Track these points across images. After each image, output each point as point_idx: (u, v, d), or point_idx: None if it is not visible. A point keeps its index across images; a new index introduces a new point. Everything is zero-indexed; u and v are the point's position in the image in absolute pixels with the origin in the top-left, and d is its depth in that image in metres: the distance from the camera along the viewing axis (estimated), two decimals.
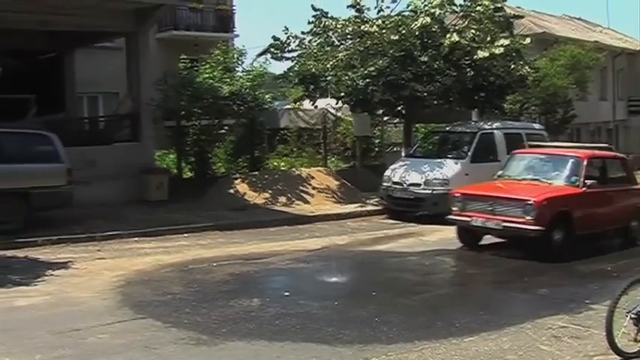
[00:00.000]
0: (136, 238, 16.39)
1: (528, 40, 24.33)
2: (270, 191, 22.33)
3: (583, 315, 10.07)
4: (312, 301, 10.84)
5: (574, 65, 36.84)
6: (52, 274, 12.70)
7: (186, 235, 17.03)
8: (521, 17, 25.34)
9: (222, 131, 25.02)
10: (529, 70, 23.99)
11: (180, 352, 8.32)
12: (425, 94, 22.63)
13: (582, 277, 13.35)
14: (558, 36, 43.29)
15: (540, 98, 34.34)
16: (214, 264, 13.65)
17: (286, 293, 11.47)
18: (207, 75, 23.58)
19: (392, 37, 21.77)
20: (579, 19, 58.37)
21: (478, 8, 22.32)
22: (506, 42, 21.81)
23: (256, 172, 23.86)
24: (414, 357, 8.12)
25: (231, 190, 22.28)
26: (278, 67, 48.99)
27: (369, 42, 22.39)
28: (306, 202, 22.14)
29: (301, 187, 22.95)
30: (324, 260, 14.55)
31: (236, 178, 23.18)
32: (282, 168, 25.77)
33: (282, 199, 22.06)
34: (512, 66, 23.16)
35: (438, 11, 21.79)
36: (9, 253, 14.42)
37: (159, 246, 15.58)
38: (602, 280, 12.78)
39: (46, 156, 17.01)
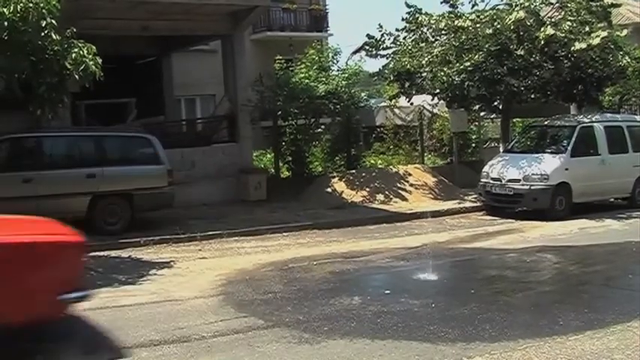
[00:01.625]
0: (236, 238, 16.65)
1: (626, 31, 23.77)
2: (367, 189, 22.38)
3: None
4: (412, 299, 10.82)
5: None
6: (155, 274, 13.02)
7: (285, 234, 17.23)
8: (619, 5, 24.70)
9: (319, 130, 25.20)
10: (629, 60, 23.43)
11: (283, 350, 8.39)
12: (522, 88, 22.34)
13: None
14: None
15: None
16: (314, 262, 13.77)
17: (387, 291, 11.50)
18: (302, 75, 23.76)
19: (487, 31, 21.53)
20: None
21: None
22: (604, 33, 21.33)
23: (353, 171, 23.95)
24: (518, 356, 8.02)
25: (329, 189, 22.41)
26: (373, 65, 49.01)
27: (463, 37, 22.19)
28: (404, 199, 22.13)
29: (398, 185, 22.93)
30: (423, 258, 14.48)
31: (333, 177, 23.31)
32: (379, 166, 25.78)
33: (380, 196, 22.08)
34: (611, 57, 22.65)
35: (533, 4, 21.47)
36: (114, 253, 14.86)
37: (259, 245, 15.79)
38: None
39: (147, 158, 17.45)
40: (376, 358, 8.01)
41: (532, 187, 19.83)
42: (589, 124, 21.55)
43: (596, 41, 21.01)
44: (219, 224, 17.73)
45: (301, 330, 9.13)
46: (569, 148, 20.61)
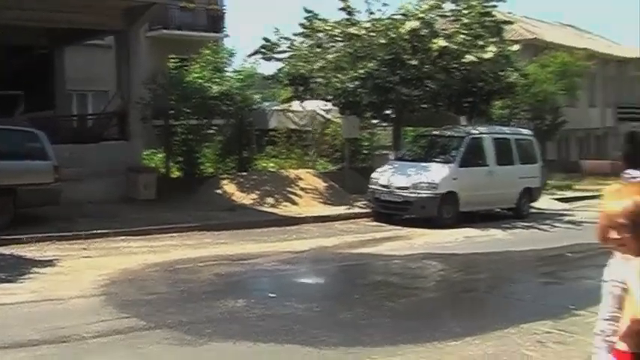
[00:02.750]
0: (123, 237, 16.35)
1: (517, 46, 24.42)
2: (258, 192, 22.33)
3: (568, 321, 10.06)
4: (297, 303, 10.82)
5: (564, 72, 36.92)
6: (37, 272, 12.67)
7: (173, 234, 17.02)
8: (512, 23, 25.40)
9: (211, 131, 25.01)
10: (518, 76, 24.03)
11: (164, 352, 8.29)
12: (413, 97, 22.65)
13: (568, 283, 13.38)
14: (549, 42, 43.39)
15: (530, 104, 34.37)
16: (200, 264, 13.66)
17: (272, 295, 11.49)
18: (196, 74, 23.60)
19: (381, 40, 21.78)
20: (570, 26, 58.58)
21: (468, 12, 22.35)
22: (495, 49, 21.86)
23: (244, 173, 23.89)
24: None
25: (219, 191, 22.28)
26: (268, 68, 48.94)
27: (357, 44, 22.39)
28: (294, 203, 22.15)
29: (289, 189, 22.97)
30: (310, 262, 14.57)
31: (224, 179, 23.19)
32: (271, 169, 25.76)
33: (270, 200, 22.05)
34: (501, 72, 23.20)
35: (427, 15, 21.83)
36: None
37: (145, 245, 15.55)
38: (587, 287, 12.81)
39: (33, 153, 17.00)
40: None
41: (420, 195, 20.11)
42: (478, 136, 22.02)
43: (487, 55, 21.52)
44: (106, 223, 17.38)
45: (183, 332, 9.02)
46: (458, 158, 21.00)
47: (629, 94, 53.37)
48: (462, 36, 21.85)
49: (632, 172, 6.03)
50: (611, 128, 50.85)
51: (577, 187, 33.23)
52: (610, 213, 3.89)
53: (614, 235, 3.90)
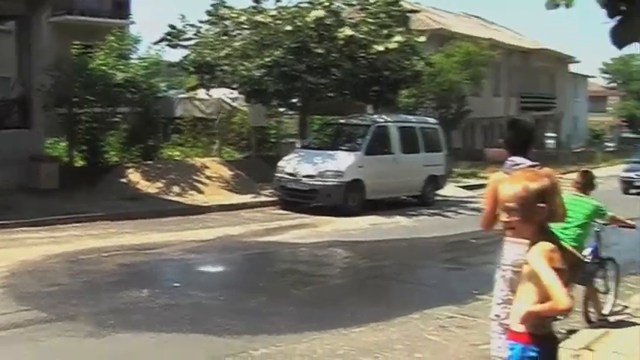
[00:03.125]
0: (24, 228, 15.96)
1: (423, 37, 24.70)
2: (163, 181, 22.11)
3: (470, 305, 10.25)
4: (202, 292, 10.75)
5: (469, 61, 37.47)
6: None
7: (76, 224, 16.69)
8: (418, 12, 25.69)
9: (116, 119, 24.59)
10: (424, 65, 24.28)
11: (67, 344, 8.13)
12: (320, 86, 22.69)
13: (471, 268, 13.61)
14: (454, 32, 43.91)
15: (435, 93, 34.80)
16: (104, 254, 13.41)
17: (176, 284, 11.40)
18: (100, 61, 23.17)
19: (287, 28, 21.74)
20: (476, 16, 59.50)
21: (374, 2, 22.50)
22: (401, 38, 22.06)
23: (150, 162, 23.59)
24: (303, 348, 8.12)
25: (124, 180, 21.96)
26: (174, 56, 48.37)
27: (264, 32, 22.32)
28: (200, 192, 22.00)
29: (195, 177, 22.80)
30: (216, 251, 14.49)
31: (129, 167, 22.86)
32: (177, 158, 25.52)
33: (176, 188, 21.86)
34: (407, 61, 23.40)
35: (334, 4, 21.90)
36: None
37: (47, 236, 15.19)
38: (489, 272, 13.03)
39: None
40: (161, 352, 7.93)
41: (326, 183, 20.21)
42: (384, 124, 22.23)
43: (393, 45, 21.70)
44: (6, 213, 16.91)
45: (86, 323, 8.86)
46: (364, 146, 21.17)
47: (532, 84, 54.60)
48: (368, 25, 21.98)
49: (515, 159, 6.14)
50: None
51: (481, 174, 33.77)
52: (502, 197, 4.01)
53: (504, 218, 4.02)
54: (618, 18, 3.24)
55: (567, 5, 4.44)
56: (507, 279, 6.10)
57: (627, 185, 28.96)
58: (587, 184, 8.84)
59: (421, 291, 11.59)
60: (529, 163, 6.02)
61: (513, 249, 6.06)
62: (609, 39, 3.29)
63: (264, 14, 22.32)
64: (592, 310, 9.08)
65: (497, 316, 6.25)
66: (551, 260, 3.84)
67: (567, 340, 8.19)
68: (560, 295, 3.71)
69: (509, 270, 6.06)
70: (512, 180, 4.08)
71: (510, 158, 6.16)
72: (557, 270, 3.82)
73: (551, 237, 3.99)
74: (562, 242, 4.19)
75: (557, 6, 4.50)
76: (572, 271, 4.73)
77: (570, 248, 7.93)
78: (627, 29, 3.23)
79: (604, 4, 3.28)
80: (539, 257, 3.87)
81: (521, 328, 4.03)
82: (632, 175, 29.00)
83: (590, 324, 8.95)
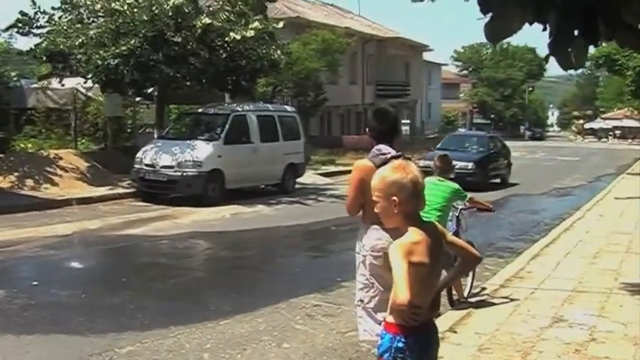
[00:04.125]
0: None
1: (281, 24, 24.75)
2: (16, 174, 21.42)
3: (335, 293, 10.37)
4: (62, 290, 10.46)
5: (325, 49, 37.84)
6: None
7: None
8: (275, 0, 25.66)
9: None
10: (281, 54, 24.35)
11: None
12: (177, 75, 22.43)
13: (334, 255, 13.75)
14: (311, 21, 44.26)
15: (293, 81, 35.03)
16: None
17: (35, 283, 11.01)
18: None
19: (143, 16, 21.36)
20: (332, 5, 60.14)
21: None
22: (259, 25, 22.04)
23: (1, 155, 22.78)
24: (170, 343, 8.02)
25: None
26: (26, 44, 46.86)
27: (120, 20, 21.86)
28: (56, 185, 21.42)
29: (50, 170, 22.19)
30: (74, 246, 14.19)
31: None
32: (30, 150, 24.75)
33: (30, 182, 21.21)
34: (265, 50, 23.40)
35: None
36: None
37: None
38: (352, 259, 13.19)
39: None
40: (22, 356, 7.64)
41: (185, 174, 20.07)
42: (242, 113, 22.22)
43: (250, 33, 21.67)
44: None
45: None
46: (223, 135, 21.11)
47: (387, 73, 55.60)
48: (226, 13, 21.86)
49: (381, 148, 6.23)
50: (371, 104, 52.71)
51: (339, 161, 34.29)
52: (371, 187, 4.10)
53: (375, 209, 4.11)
54: (491, 14, 3.31)
55: None
56: (367, 264, 6.20)
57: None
58: (445, 169, 9.09)
59: (286, 280, 11.63)
60: (394, 152, 6.12)
61: (372, 234, 6.15)
62: (483, 34, 3.37)
63: (120, 1, 21.82)
64: (454, 293, 9.34)
65: (360, 301, 6.34)
66: (411, 253, 3.88)
67: None
68: (398, 291, 3.73)
69: (369, 255, 6.16)
70: (380, 171, 4.14)
71: (377, 147, 6.24)
72: (416, 264, 3.86)
73: (422, 227, 4.03)
74: (439, 229, 4.24)
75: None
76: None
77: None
78: (500, 25, 3.31)
79: (478, 1, 3.36)
80: (394, 250, 3.91)
81: (390, 319, 4.08)
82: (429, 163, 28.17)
83: (453, 306, 9.19)
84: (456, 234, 9.35)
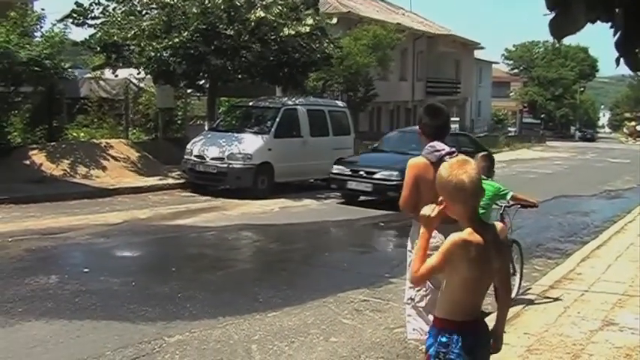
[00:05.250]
0: None
1: (335, 19, 24.77)
2: (68, 163, 21.70)
3: (383, 289, 10.37)
4: (112, 278, 10.57)
5: (376, 45, 37.74)
6: None
7: None
8: None
9: (19, 99, 23.97)
10: (333, 48, 24.32)
11: None
12: (228, 68, 22.53)
13: (382, 251, 13.76)
14: (362, 16, 44.20)
15: (343, 76, 34.98)
16: (9, 239, 13.02)
17: (86, 269, 11.16)
18: (2, 39, 22.48)
19: (194, 9, 21.48)
20: (383, 1, 59.95)
21: None
22: (312, 21, 22.07)
23: (54, 143, 23.08)
24: (218, 333, 8.08)
25: (27, 162, 21.43)
26: (80, 34, 47.38)
27: (172, 13, 22.01)
28: (107, 174, 21.67)
29: (101, 159, 22.44)
30: (125, 235, 14.27)
31: (33, 149, 22.32)
32: (82, 139, 25.03)
33: (82, 170, 21.49)
34: (317, 44, 23.41)
35: None
36: None
37: None
38: (400, 255, 13.19)
39: None
40: (73, 340, 7.73)
41: (235, 166, 20.15)
42: (293, 107, 22.24)
43: (304, 29, 21.69)
44: None
45: None
46: (273, 129, 21.16)
47: (438, 69, 55.37)
48: (278, 7, 21.89)
49: (435, 145, 6.21)
50: (421, 101, 52.56)
51: None
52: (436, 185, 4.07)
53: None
54: (557, 10, 3.28)
55: None
56: None
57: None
58: (488, 167, 9.02)
59: (333, 275, 11.63)
60: (448, 149, 6.12)
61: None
62: (548, 30, 3.33)
63: None
64: None
65: (411, 299, 6.33)
66: (462, 250, 3.89)
67: None
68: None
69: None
70: (441, 169, 4.09)
71: (430, 144, 6.23)
72: (469, 260, 3.89)
73: (477, 227, 4.01)
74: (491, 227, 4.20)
75: None
76: None
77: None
78: (565, 21, 3.28)
79: None
80: (445, 245, 3.94)
81: (437, 314, 4.10)
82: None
83: None
84: None
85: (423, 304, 6.21)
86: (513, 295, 9.50)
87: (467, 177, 3.95)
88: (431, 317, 6.12)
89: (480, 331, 4.17)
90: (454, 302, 4.04)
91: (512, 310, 8.79)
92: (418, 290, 6.22)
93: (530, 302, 9.43)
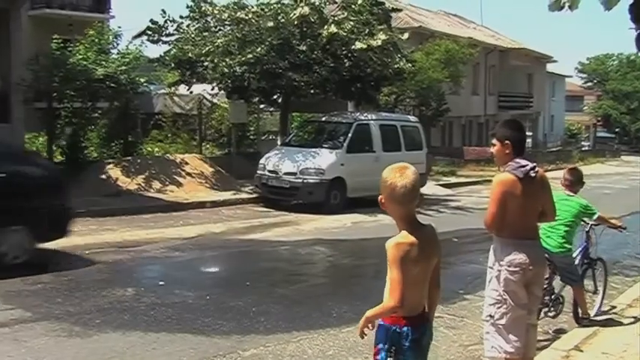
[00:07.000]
0: None
1: (407, 35, 24.75)
2: (143, 177, 22.01)
3: (457, 305, 10.26)
4: (187, 291, 10.68)
5: (448, 59, 37.57)
6: None
7: None
8: (400, 10, 25.74)
9: (96, 114, 24.43)
10: (406, 63, 24.29)
11: (52, 344, 8.01)
12: (302, 83, 22.64)
13: (455, 267, 13.60)
14: (434, 30, 44.09)
15: (415, 91, 34.89)
16: (87, 252, 13.24)
17: (161, 283, 11.30)
18: (80, 56, 22.95)
19: (269, 24, 21.67)
20: (455, 15, 59.71)
21: (358, 1, 22.51)
22: (385, 37, 22.07)
23: (129, 158, 23.45)
24: (292, 348, 8.09)
25: (104, 176, 21.81)
26: (155, 51, 48.06)
27: (246, 29, 22.24)
28: (181, 188, 21.91)
29: (175, 174, 22.70)
30: (199, 249, 14.40)
31: (109, 163, 22.71)
32: (157, 154, 25.39)
33: (156, 185, 21.77)
34: (389, 59, 23.39)
35: (317, 1, 21.86)
36: None
37: None
38: (473, 271, 13.05)
39: None
40: (149, 352, 7.82)
41: (308, 181, 20.20)
42: (365, 122, 22.22)
43: (376, 43, 21.71)
44: None
45: (72, 323, 8.75)
46: (345, 144, 21.16)
47: (510, 83, 54.81)
48: (351, 22, 21.95)
49: (520, 161, 6.15)
50: (493, 116, 52.14)
51: (460, 173, 33.98)
52: None
53: None
54: None
55: (571, 7, 4.41)
56: (502, 279, 6.10)
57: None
58: (576, 182, 8.82)
59: None
60: (531, 164, 6.09)
61: (509, 249, 6.07)
62: (635, 45, 3.28)
63: (246, 11, 22.23)
64: (580, 310, 9.09)
65: (490, 316, 6.24)
66: (400, 252, 4.50)
67: (557, 341, 8.21)
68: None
69: (505, 269, 6.07)
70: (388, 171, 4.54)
71: (516, 160, 6.16)
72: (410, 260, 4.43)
73: (411, 228, 4.56)
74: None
75: (561, 8, 4.48)
76: None
77: None
78: None
79: (630, 11, 3.27)
80: (388, 255, 4.56)
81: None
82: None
83: (579, 324, 8.96)
84: (585, 249, 9.14)
85: (503, 321, 6.12)
86: (592, 313, 9.32)
87: (404, 181, 4.39)
88: (512, 337, 6.05)
89: (425, 322, 4.72)
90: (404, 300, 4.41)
91: (590, 330, 8.64)
92: (498, 307, 6.14)
93: (608, 321, 9.23)
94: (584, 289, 9.09)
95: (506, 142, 6.27)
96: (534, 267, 6.15)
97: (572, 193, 8.65)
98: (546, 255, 7.52)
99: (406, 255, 4.42)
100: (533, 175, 6.12)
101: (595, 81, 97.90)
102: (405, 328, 4.54)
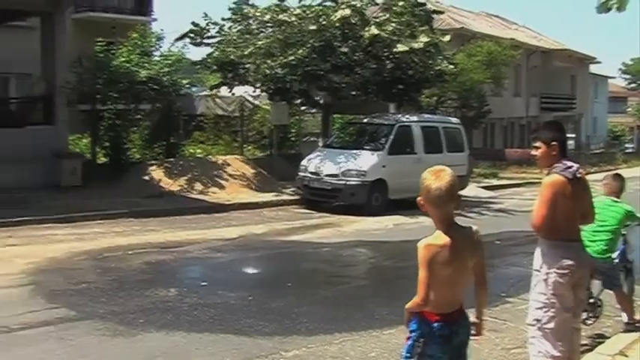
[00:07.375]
0: (49, 225, 15.99)
1: (448, 37, 24.66)
2: (185, 178, 22.14)
3: (499, 308, 10.14)
4: (229, 292, 10.73)
5: (490, 61, 37.35)
6: None
7: (100, 221, 16.74)
8: (442, 12, 25.67)
9: (138, 116, 24.65)
10: (448, 65, 24.19)
11: (97, 343, 8.09)
12: (343, 85, 22.64)
13: (498, 270, 13.50)
14: (476, 32, 43.86)
15: (457, 92, 34.75)
16: (130, 252, 13.37)
17: (204, 283, 11.35)
18: (123, 58, 23.18)
19: (311, 27, 21.71)
20: (497, 16, 59.35)
21: (400, 2, 22.47)
22: (426, 39, 22.01)
23: (172, 159, 23.63)
24: (335, 349, 8.06)
25: (147, 177, 22.00)
26: (196, 53, 48.37)
27: (288, 31, 22.30)
28: (223, 189, 22.03)
29: (217, 175, 22.81)
30: (241, 250, 14.45)
31: (151, 165, 22.90)
32: (199, 155, 25.53)
33: (198, 186, 21.88)
34: (431, 61, 23.32)
35: (359, 3, 21.86)
36: None
37: (72, 233, 15.25)
38: (516, 274, 12.96)
39: None
40: (193, 352, 7.86)
41: (349, 183, 20.16)
42: (407, 124, 22.14)
43: (418, 45, 21.64)
44: (31, 210, 17.00)
45: (116, 322, 8.83)
46: (387, 145, 21.09)
47: (552, 85, 54.33)
48: (392, 24, 21.91)
49: (566, 162, 6.09)
50: (535, 117, 51.73)
51: (502, 175, 33.73)
52: None
53: None
54: None
55: (619, 9, 4.36)
56: (550, 282, 6.04)
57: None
58: (620, 188, 8.71)
59: None
60: (577, 165, 6.06)
61: (558, 252, 6.01)
62: None
63: (288, 13, 22.29)
64: (626, 315, 8.94)
65: (537, 320, 6.17)
66: (429, 252, 4.65)
67: (601, 346, 8.11)
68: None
69: (554, 273, 6.01)
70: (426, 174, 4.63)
71: (563, 161, 6.11)
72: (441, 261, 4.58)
73: (447, 229, 4.66)
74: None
75: (609, 10, 4.43)
76: None
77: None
78: None
79: None
80: (418, 255, 4.70)
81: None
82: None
83: (626, 330, 8.83)
84: (623, 252, 9.00)
85: (550, 325, 6.05)
86: (639, 317, 9.17)
87: (439, 184, 4.49)
88: (558, 341, 5.99)
89: (459, 321, 4.81)
90: (434, 298, 4.61)
91: (635, 335, 8.50)
92: (546, 311, 6.08)
93: None
94: (625, 292, 8.95)
95: (553, 143, 6.20)
96: (581, 269, 6.10)
97: (617, 199, 8.53)
98: None
99: (434, 256, 4.56)
100: (579, 175, 6.08)
101: (639, 82, 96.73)
102: (435, 324, 4.71)
